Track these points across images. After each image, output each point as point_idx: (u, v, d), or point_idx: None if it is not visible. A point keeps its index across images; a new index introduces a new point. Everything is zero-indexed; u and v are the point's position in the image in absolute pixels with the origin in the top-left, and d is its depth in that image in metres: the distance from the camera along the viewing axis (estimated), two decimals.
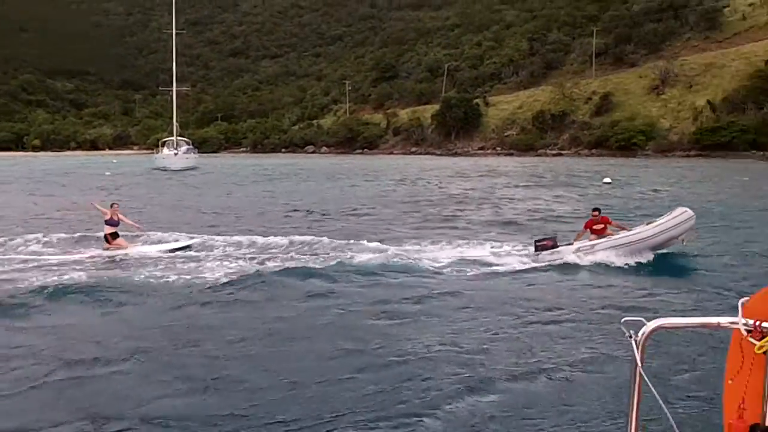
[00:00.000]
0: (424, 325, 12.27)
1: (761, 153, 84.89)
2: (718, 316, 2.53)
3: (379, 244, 20.29)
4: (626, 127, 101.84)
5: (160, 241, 21.49)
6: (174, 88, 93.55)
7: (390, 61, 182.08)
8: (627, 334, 2.48)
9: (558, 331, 11.78)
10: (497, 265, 17.68)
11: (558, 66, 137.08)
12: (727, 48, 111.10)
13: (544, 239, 18.68)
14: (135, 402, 8.77)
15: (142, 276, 16.32)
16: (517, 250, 19.49)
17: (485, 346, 10.99)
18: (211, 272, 16.72)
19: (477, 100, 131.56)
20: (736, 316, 2.41)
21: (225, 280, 15.80)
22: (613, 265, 17.28)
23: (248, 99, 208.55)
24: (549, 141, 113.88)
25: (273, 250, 20.03)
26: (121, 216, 20.40)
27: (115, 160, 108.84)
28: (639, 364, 2.44)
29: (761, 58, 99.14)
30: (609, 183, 47.38)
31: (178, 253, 19.76)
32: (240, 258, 18.79)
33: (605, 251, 17.71)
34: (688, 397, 8.57)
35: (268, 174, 67.89)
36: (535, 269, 17.25)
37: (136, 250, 20.18)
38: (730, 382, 2.49)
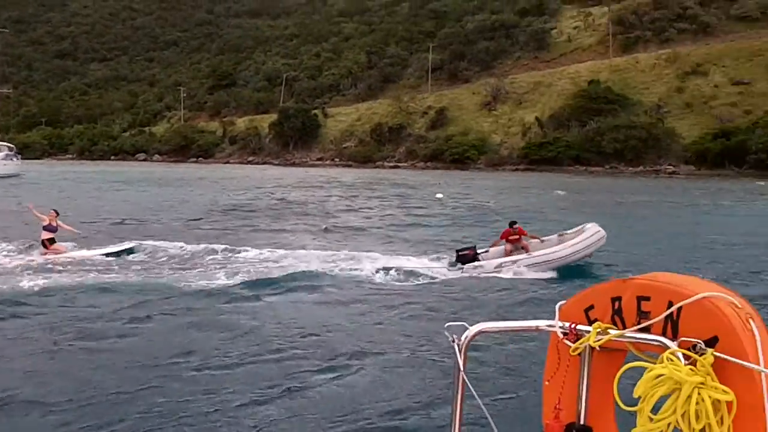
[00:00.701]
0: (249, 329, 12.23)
1: (584, 168, 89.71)
2: (538, 319, 2.59)
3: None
4: (460, 142, 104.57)
5: (99, 246, 21.46)
6: None
7: (227, 69, 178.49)
8: (450, 339, 2.51)
9: (392, 336, 11.87)
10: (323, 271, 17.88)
11: (395, 80, 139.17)
12: (554, 68, 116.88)
13: (465, 249, 19.17)
14: None
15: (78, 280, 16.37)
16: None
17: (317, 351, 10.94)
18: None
19: (315, 111, 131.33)
20: (554, 319, 2.51)
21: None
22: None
23: (75, 103, 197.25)
24: (386, 153, 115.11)
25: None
26: (59, 222, 20.81)
27: None
28: (461, 368, 2.49)
29: (584, 79, 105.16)
30: (440, 198, 47.67)
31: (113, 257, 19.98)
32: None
33: (525, 267, 18.21)
34: (510, 399, 8.79)
35: (103, 181, 64.36)
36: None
37: (76, 254, 20.23)
38: (547, 383, 2.62)
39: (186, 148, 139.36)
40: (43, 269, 17.72)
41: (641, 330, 2.26)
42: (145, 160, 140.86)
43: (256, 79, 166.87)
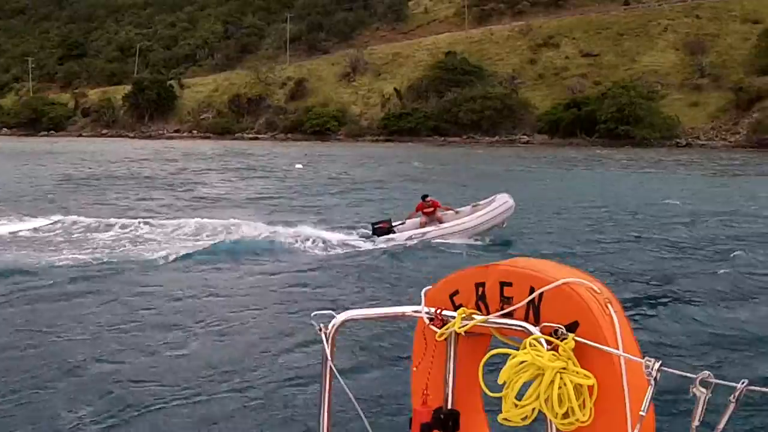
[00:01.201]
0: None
1: (442, 138, 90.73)
2: (404, 305, 2.60)
3: None
4: (320, 113, 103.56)
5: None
6: None
7: (78, 39, 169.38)
8: (317, 328, 2.50)
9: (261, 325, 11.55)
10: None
11: (253, 50, 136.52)
12: (412, 39, 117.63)
13: (380, 222, 19.62)
14: None
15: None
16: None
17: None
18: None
19: (171, 82, 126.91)
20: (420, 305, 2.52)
21: None
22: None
23: None
24: (246, 125, 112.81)
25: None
26: None
27: None
28: (329, 357, 2.48)
29: (442, 50, 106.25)
30: (300, 167, 47.87)
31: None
32: None
33: (436, 237, 18.82)
34: (380, 386, 8.59)
35: None
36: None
37: None
38: (415, 369, 2.62)
39: (36, 121, 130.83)
40: None
41: (505, 315, 2.29)
42: None
43: (109, 50, 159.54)
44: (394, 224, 19.58)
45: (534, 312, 2.21)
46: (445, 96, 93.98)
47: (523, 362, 2.05)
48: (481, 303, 2.36)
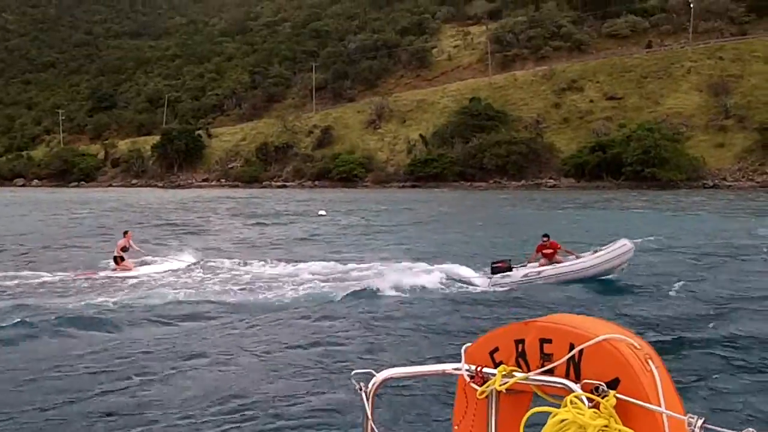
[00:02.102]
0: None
1: (468, 183, 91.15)
2: (445, 363, 2.59)
3: None
4: (346, 160, 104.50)
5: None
6: None
7: (108, 90, 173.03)
8: (357, 387, 2.50)
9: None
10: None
11: (280, 99, 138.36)
12: (436, 86, 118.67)
13: (498, 261, 19.85)
14: None
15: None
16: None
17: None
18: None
19: (199, 132, 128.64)
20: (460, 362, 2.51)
21: None
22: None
23: None
24: (273, 173, 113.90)
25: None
26: (131, 243, 23.74)
27: None
28: (369, 416, 2.47)
29: (466, 96, 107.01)
30: (324, 215, 48.00)
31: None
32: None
33: (551, 277, 19.20)
34: None
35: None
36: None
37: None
38: (456, 428, 2.58)
39: (66, 172, 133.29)
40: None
41: (545, 372, 2.27)
42: (23, 185, 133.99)
43: (138, 101, 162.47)
44: (514, 266, 19.78)
45: (575, 369, 2.22)
46: (471, 141, 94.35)
47: (564, 420, 2.05)
48: (521, 360, 2.37)
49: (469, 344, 2.56)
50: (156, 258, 24.99)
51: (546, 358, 2.29)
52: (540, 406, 2.25)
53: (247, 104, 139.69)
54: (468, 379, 2.45)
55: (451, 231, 35.33)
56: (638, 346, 2.18)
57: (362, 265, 22.25)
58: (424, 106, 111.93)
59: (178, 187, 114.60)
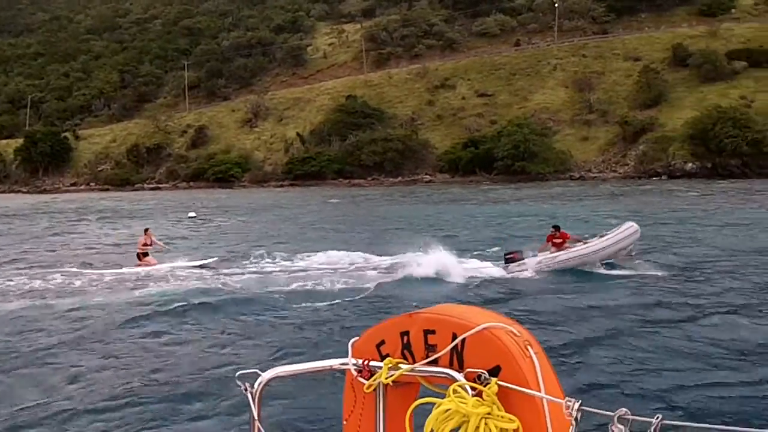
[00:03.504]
0: None
1: (347, 181, 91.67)
2: (332, 358, 2.60)
3: None
4: (222, 160, 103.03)
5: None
6: None
7: None
8: (243, 387, 2.46)
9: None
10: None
11: (151, 99, 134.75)
12: (312, 84, 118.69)
13: (512, 252, 20.82)
14: None
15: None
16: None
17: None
18: None
19: (66, 134, 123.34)
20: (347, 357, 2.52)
21: None
22: None
23: None
24: (146, 175, 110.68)
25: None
26: (154, 239, 24.57)
27: None
28: (256, 417, 2.45)
29: (342, 94, 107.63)
30: (193, 217, 46.90)
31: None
32: None
33: (563, 262, 20.11)
34: None
35: None
36: None
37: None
38: (345, 422, 2.61)
39: None
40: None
41: (430, 363, 2.30)
42: None
43: None
44: (525, 257, 20.53)
45: (458, 358, 2.25)
46: (348, 139, 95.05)
47: (448, 410, 2.08)
48: (407, 352, 2.39)
49: (356, 338, 2.58)
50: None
51: (430, 348, 2.32)
52: (427, 396, 2.31)
53: (117, 104, 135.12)
54: (355, 373, 2.47)
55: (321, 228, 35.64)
56: (518, 333, 2.25)
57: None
58: (300, 105, 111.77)
59: (45, 192, 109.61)
